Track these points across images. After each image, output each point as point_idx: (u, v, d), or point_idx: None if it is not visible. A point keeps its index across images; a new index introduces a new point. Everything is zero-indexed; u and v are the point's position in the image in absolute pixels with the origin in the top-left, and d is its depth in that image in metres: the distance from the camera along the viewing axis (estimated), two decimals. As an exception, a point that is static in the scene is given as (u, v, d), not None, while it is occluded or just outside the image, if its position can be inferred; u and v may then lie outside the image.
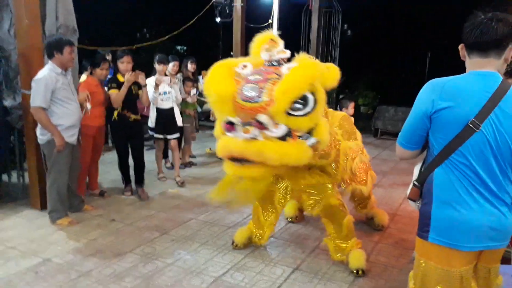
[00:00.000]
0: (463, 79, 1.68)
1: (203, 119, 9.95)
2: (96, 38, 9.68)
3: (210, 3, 7.96)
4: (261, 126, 2.32)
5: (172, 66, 5.84)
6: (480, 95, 1.61)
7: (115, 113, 4.55)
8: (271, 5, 10.92)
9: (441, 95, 1.65)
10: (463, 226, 1.66)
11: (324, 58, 10.95)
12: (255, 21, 10.32)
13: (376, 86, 11.93)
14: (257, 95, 2.32)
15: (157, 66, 5.35)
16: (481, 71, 1.66)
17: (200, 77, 7.80)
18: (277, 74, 2.43)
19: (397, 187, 5.50)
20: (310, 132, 2.44)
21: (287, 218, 4.16)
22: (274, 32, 10.31)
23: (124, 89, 4.47)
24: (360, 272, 3.07)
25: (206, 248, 3.51)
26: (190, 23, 7.62)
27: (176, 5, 15.81)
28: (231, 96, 2.36)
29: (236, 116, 2.37)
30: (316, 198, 3.07)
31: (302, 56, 2.52)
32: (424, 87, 1.75)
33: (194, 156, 6.75)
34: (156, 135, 5.44)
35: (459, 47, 1.75)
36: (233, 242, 3.53)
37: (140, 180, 4.90)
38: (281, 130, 2.34)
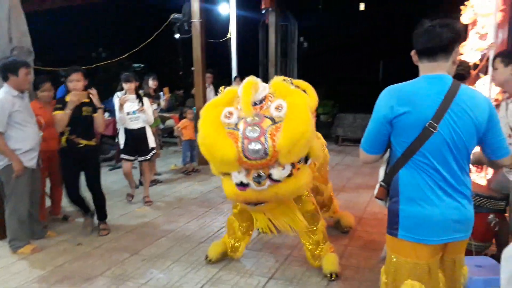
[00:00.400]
0: (417, 84, 1.79)
1: (166, 136, 9.84)
2: (51, 59, 9.41)
3: (168, 20, 7.96)
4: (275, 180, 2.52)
5: (152, 81, 6.33)
6: (434, 97, 1.71)
7: (63, 138, 3.98)
8: (228, 20, 11.09)
9: (398, 101, 1.74)
10: (429, 221, 1.76)
11: (283, 70, 11.18)
12: (214, 36, 10.42)
13: (334, 95, 12.29)
14: (263, 152, 2.42)
15: (124, 85, 5.31)
16: (432, 74, 1.77)
17: (161, 93, 7.74)
18: (268, 118, 2.51)
19: (362, 191, 5.67)
20: (307, 155, 2.64)
21: (258, 229, 4.17)
22: (233, 45, 10.47)
23: (67, 110, 3.85)
24: (333, 276, 3.13)
25: (179, 265, 3.46)
26: (149, 40, 7.59)
27: (132, 23, 15.68)
28: (235, 157, 2.45)
29: (240, 168, 2.51)
30: (294, 210, 3.10)
31: (279, 84, 2.65)
32: (381, 94, 1.84)
33: (159, 174, 6.65)
34: (124, 156, 5.10)
35: (411, 53, 1.86)
36: (206, 257, 3.49)
37: (101, 216, 4.32)
38: (288, 169, 2.54)
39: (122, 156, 5.10)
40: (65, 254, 3.71)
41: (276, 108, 2.52)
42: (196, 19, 7.15)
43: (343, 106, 11.52)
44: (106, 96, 6.51)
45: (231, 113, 2.57)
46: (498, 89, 3.87)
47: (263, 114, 2.54)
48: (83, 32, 15.48)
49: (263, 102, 2.60)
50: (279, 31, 10.77)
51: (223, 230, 4.17)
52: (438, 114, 1.69)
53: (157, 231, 4.27)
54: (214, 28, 11.07)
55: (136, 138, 5.07)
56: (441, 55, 1.75)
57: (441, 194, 1.76)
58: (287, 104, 2.52)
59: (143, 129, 5.12)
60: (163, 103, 7.34)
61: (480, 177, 4.03)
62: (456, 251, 1.89)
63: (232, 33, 10.89)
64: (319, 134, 3.84)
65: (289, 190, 2.57)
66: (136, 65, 18.47)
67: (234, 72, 10.99)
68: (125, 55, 7.30)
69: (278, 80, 2.70)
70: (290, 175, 2.54)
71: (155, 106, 6.29)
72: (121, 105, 4.92)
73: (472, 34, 4.71)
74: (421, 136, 1.72)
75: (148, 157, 5.19)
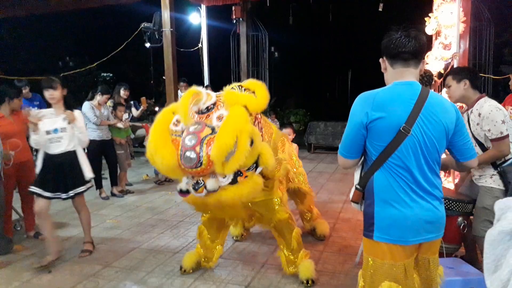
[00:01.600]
0: (390, 90, 1.85)
1: (137, 145, 9.67)
2: (16, 68, 9.11)
3: (139, 29, 7.88)
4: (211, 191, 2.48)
5: (124, 91, 6.28)
6: (407, 102, 1.78)
7: None
8: (199, 30, 11.10)
9: (373, 107, 1.80)
10: (403, 223, 1.81)
11: (255, 79, 11.22)
12: (186, 46, 10.39)
13: (305, 104, 12.48)
14: (197, 161, 2.37)
15: (99, 98, 5.23)
16: (404, 81, 1.84)
17: (132, 102, 7.64)
18: (209, 127, 2.45)
19: (335, 197, 5.75)
20: (256, 162, 2.58)
21: (233, 237, 4.16)
22: (204, 55, 10.48)
23: None
24: (310, 282, 3.13)
25: (153, 277, 3.39)
26: (119, 49, 7.48)
27: (101, 31, 15.40)
28: (175, 164, 2.43)
29: (186, 174, 2.50)
30: (268, 215, 3.16)
31: (228, 93, 2.61)
32: (356, 101, 1.88)
33: (130, 184, 6.52)
34: (35, 190, 3.59)
35: (380, 60, 1.94)
36: (181, 268, 3.43)
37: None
38: (229, 177, 2.48)
39: (33, 189, 3.60)
40: (32, 269, 3.55)
41: (217, 117, 2.50)
42: (167, 28, 7.11)
43: (314, 115, 11.70)
44: (74, 106, 6.36)
45: (178, 121, 2.53)
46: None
47: (205, 123, 2.49)
48: (50, 40, 15.07)
49: (211, 110, 2.56)
50: (250, 41, 10.88)
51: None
52: (411, 118, 1.76)
53: (130, 242, 4.17)
54: (185, 37, 11.05)
55: (58, 167, 3.64)
56: (413, 61, 1.83)
57: (413, 196, 1.82)
58: (227, 114, 2.49)
59: (70, 154, 3.68)
60: (137, 112, 7.23)
61: (448, 181, 4.18)
62: (430, 251, 1.95)
63: (204, 43, 10.92)
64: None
65: (231, 197, 2.51)
66: (105, 74, 18.14)
67: (206, 81, 10.98)
68: (94, 64, 7.15)
69: (228, 89, 2.67)
70: (235, 182, 2.50)
71: (126, 115, 6.20)
72: (35, 125, 3.54)
73: (436, 44, 4.92)
74: (395, 140, 1.78)
75: (80, 190, 3.74)
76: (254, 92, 2.69)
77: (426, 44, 1.91)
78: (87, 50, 14.62)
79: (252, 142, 2.44)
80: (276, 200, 3.15)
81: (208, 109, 2.56)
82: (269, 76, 11.60)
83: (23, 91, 6.11)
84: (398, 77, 1.86)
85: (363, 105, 1.83)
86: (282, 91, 14.05)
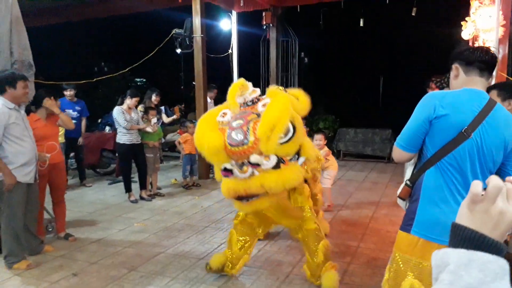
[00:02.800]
0: (459, 93, 1.89)
1: (167, 149, 9.81)
2: (53, 74, 9.46)
3: (170, 35, 8.01)
4: (255, 164, 2.50)
5: (155, 97, 6.60)
6: (473, 108, 1.82)
7: None
8: (230, 36, 11.18)
9: (441, 103, 1.84)
10: (444, 223, 1.80)
11: (284, 85, 11.19)
12: (216, 51, 10.49)
13: (335, 110, 12.29)
14: (244, 138, 2.49)
15: (128, 101, 5.41)
16: (474, 88, 1.89)
17: (163, 108, 7.77)
18: (255, 114, 2.61)
19: (364, 206, 5.59)
20: (298, 153, 2.65)
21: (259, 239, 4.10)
22: (234, 60, 10.56)
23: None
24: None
25: (178, 282, 3.38)
26: (150, 55, 7.63)
27: (134, 38, 15.81)
28: (222, 146, 2.52)
29: (230, 160, 2.56)
30: (298, 222, 3.19)
31: (272, 90, 2.74)
32: (424, 97, 1.93)
33: (159, 188, 6.59)
34: None
35: (453, 66, 1.94)
36: (207, 265, 3.43)
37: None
38: (273, 160, 2.50)
39: None
40: (61, 271, 3.63)
41: (263, 105, 2.63)
42: (197, 34, 7.19)
43: (344, 121, 11.50)
44: (107, 110, 6.54)
45: (225, 113, 2.70)
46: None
47: (252, 111, 2.65)
48: (85, 46, 15.60)
49: (256, 103, 2.70)
50: (280, 46, 10.85)
51: (223, 246, 4.10)
52: (474, 123, 1.80)
53: (156, 246, 4.19)
54: (215, 43, 11.15)
55: None
56: (487, 72, 1.90)
57: (460, 199, 1.79)
58: (271, 100, 2.63)
59: None
60: (168, 119, 7.36)
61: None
62: None
63: (234, 49, 10.98)
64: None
65: (274, 181, 2.51)
66: (138, 79, 18.58)
67: (236, 87, 11.00)
68: (126, 70, 7.31)
69: (272, 87, 2.83)
70: (278, 167, 2.53)
71: (154, 119, 6.29)
72: None
73: (473, 49, 4.72)
74: (455, 140, 1.81)
75: None
76: (297, 99, 2.85)
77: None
78: (121, 56, 15.03)
79: (294, 131, 2.50)
80: (307, 208, 3.18)
81: (253, 102, 2.71)
82: (299, 81, 11.53)
83: (66, 93, 6.35)
84: (469, 85, 1.90)
85: (432, 101, 1.87)
86: (311, 97, 13.91)
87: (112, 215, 5.22)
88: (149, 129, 6.00)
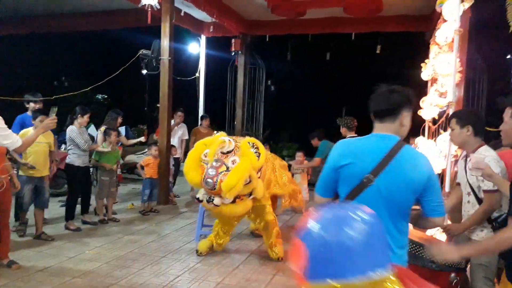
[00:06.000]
0: (364, 140, 1.98)
1: (125, 171, 9.50)
2: (7, 85, 9.01)
3: (137, 55, 7.89)
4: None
5: (120, 119, 6.42)
6: (376, 153, 1.88)
7: None
8: (198, 59, 11.17)
9: (345, 153, 1.95)
10: None
11: (250, 112, 11.28)
12: (183, 74, 10.42)
13: (299, 138, 12.47)
14: (213, 185, 3.82)
15: (80, 120, 5.19)
16: (380, 133, 1.96)
17: (123, 128, 7.56)
18: (225, 166, 3.89)
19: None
20: (251, 192, 4.13)
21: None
22: (201, 84, 10.54)
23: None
24: (280, 259, 4.51)
25: (128, 319, 3.18)
26: (115, 74, 7.45)
27: (99, 54, 15.49)
28: (199, 182, 3.96)
29: (204, 191, 3.99)
30: (261, 217, 4.60)
31: (244, 147, 4.04)
32: (334, 146, 2.06)
33: (114, 213, 6.31)
34: None
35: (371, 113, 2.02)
36: (197, 251, 4.65)
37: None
38: (230, 199, 3.95)
39: None
40: (-1, 303, 3.33)
41: (232, 161, 3.94)
42: (165, 56, 7.12)
43: (306, 150, 11.65)
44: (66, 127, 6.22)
45: (207, 154, 4.03)
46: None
47: (224, 161, 3.94)
48: (48, 59, 15.08)
49: (230, 153, 4.00)
50: (247, 73, 10.95)
51: (180, 279, 3.96)
52: (377, 169, 1.85)
53: (108, 277, 3.95)
54: (183, 66, 11.11)
55: None
56: (388, 117, 1.94)
57: None
58: (238, 162, 3.92)
59: None
60: (130, 141, 7.15)
61: (440, 232, 4.07)
62: None
63: (201, 72, 10.97)
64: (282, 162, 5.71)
65: (228, 211, 4.11)
66: (100, 96, 18.12)
67: (201, 110, 10.96)
68: (89, 88, 7.09)
69: (246, 142, 4.12)
70: (234, 202, 3.99)
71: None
72: None
73: (432, 91, 4.93)
74: (358, 187, 1.88)
75: None
76: (258, 150, 4.12)
77: (412, 98, 1.97)
78: (84, 71, 14.63)
79: (250, 181, 3.98)
80: (267, 206, 4.60)
81: (228, 152, 3.99)
82: (264, 109, 11.64)
83: (31, 106, 5.74)
84: (376, 130, 1.99)
85: (337, 150, 2.00)
86: (276, 124, 14.08)
87: (62, 241, 4.92)
88: (106, 148, 5.77)
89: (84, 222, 5.67)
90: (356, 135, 5.43)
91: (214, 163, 3.90)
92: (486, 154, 2.71)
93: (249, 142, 4.13)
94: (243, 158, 3.94)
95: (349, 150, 1.95)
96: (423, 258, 2.71)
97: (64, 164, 5.85)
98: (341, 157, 1.94)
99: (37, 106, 5.56)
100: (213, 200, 3.91)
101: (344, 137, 5.40)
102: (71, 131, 5.36)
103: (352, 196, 1.90)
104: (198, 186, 4.00)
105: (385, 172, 1.84)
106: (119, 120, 6.48)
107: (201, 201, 3.99)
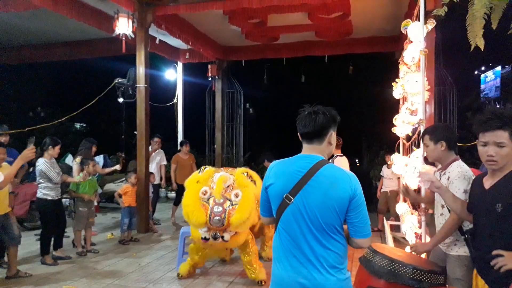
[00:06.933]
0: (287, 161, 2.04)
1: (104, 200, 9.32)
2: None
3: (112, 84, 7.88)
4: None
5: (95, 148, 6.40)
6: (295, 174, 1.94)
7: None
8: (175, 86, 11.23)
9: (269, 173, 2.05)
10: (280, 282, 1.96)
11: (230, 135, 11.33)
12: (160, 101, 10.45)
13: (280, 159, 12.53)
14: (222, 221, 3.90)
15: (51, 151, 5.08)
16: (306, 154, 2.01)
17: (101, 157, 7.47)
18: (229, 201, 4.00)
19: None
20: None
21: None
22: (179, 110, 10.53)
23: None
24: (262, 283, 4.45)
25: None
26: (90, 104, 7.41)
27: (74, 83, 15.38)
28: (204, 222, 3.94)
29: (205, 226, 3.99)
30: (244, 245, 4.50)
31: (239, 177, 4.17)
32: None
33: (93, 244, 6.15)
34: None
35: (298, 133, 2.06)
36: (178, 274, 4.70)
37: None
38: (235, 231, 4.08)
39: None
40: None
41: (235, 195, 4.04)
42: (141, 84, 7.13)
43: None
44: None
45: (205, 192, 4.08)
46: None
47: (226, 196, 4.02)
48: (22, 90, 14.86)
49: (229, 187, 4.10)
50: (225, 97, 11.07)
51: None
52: (296, 188, 1.91)
53: (86, 313, 3.83)
54: (160, 92, 11.14)
55: None
56: (316, 138, 1.99)
57: (293, 260, 1.93)
58: (242, 194, 4.04)
59: None
60: (108, 170, 7.05)
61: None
62: None
63: (179, 98, 11.02)
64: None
65: (233, 244, 4.25)
66: (78, 125, 17.88)
67: (180, 135, 10.94)
68: (64, 118, 7.02)
69: (240, 172, 4.27)
70: (236, 233, 4.07)
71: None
72: None
73: (403, 109, 5.08)
74: (281, 206, 1.96)
75: None
76: (255, 181, 4.30)
77: (334, 120, 2.00)
78: (59, 101, 14.47)
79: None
80: (250, 238, 4.52)
81: (228, 186, 4.09)
82: (244, 131, 11.71)
83: None
84: (305, 151, 2.03)
85: (267, 171, 2.08)
86: (256, 146, 14.14)
87: (38, 276, 4.75)
88: (77, 179, 5.65)
89: (57, 258, 5.38)
90: (341, 154, 5.44)
91: (217, 200, 3.96)
92: (457, 170, 2.78)
93: (242, 173, 4.26)
94: (244, 189, 4.03)
95: (273, 171, 2.03)
96: (403, 276, 2.74)
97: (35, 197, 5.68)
98: (267, 178, 2.04)
99: (3, 139, 5.36)
100: (222, 236, 3.98)
101: (332, 155, 5.39)
102: (42, 164, 5.14)
103: (277, 215, 1.98)
104: (203, 226, 3.96)
105: (303, 191, 1.89)
106: (94, 148, 6.40)
107: (208, 239, 4.00)
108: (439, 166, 3.06)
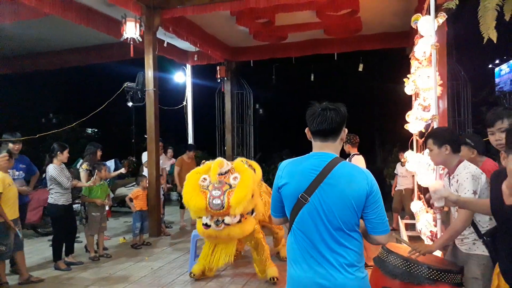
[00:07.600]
0: (301, 160, 1.99)
1: (116, 205, 9.35)
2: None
3: (122, 88, 7.90)
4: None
5: (100, 151, 6.31)
6: (310, 172, 1.90)
7: None
8: (184, 88, 11.24)
9: (282, 173, 2.00)
10: (298, 284, 1.91)
11: (240, 136, 11.30)
12: (170, 104, 10.47)
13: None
14: (221, 205, 3.82)
15: (60, 157, 5.12)
16: (319, 152, 1.96)
17: (112, 162, 7.50)
18: (228, 184, 3.95)
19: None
20: (253, 210, 4.15)
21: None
22: (188, 112, 10.55)
23: None
24: (274, 279, 4.49)
25: None
26: (100, 109, 7.44)
27: (85, 89, 15.53)
28: (204, 207, 3.87)
29: (208, 215, 3.91)
30: (250, 236, 4.41)
31: (238, 165, 4.14)
32: (279, 166, 2.10)
33: (106, 248, 6.16)
34: None
35: (306, 130, 2.02)
36: (191, 273, 4.71)
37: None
38: (238, 217, 3.94)
39: None
40: None
41: (233, 178, 4.01)
42: (150, 88, 7.13)
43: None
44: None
45: (205, 179, 4.05)
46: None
47: (225, 181, 4.00)
48: (35, 97, 15.08)
49: (227, 173, 4.07)
50: (234, 98, 11.04)
51: None
52: (311, 187, 1.88)
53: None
54: (170, 95, 11.16)
55: None
56: (331, 136, 1.95)
57: (311, 260, 1.89)
58: (240, 177, 3.99)
59: None
60: (114, 174, 7.08)
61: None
62: None
63: (188, 101, 11.02)
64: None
65: (237, 231, 4.01)
66: (90, 129, 18.05)
67: (190, 138, 10.95)
68: (73, 124, 7.06)
69: (238, 160, 4.24)
70: (240, 221, 3.95)
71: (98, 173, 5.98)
72: None
73: (416, 105, 4.96)
74: (296, 206, 1.92)
75: None
76: (254, 169, 4.27)
77: (346, 117, 1.96)
78: (71, 107, 14.63)
79: (252, 195, 3.97)
80: (256, 226, 4.42)
81: (225, 172, 4.07)
82: (254, 132, 11.67)
83: (11, 147, 5.46)
84: (317, 149, 1.99)
85: (278, 171, 2.04)
86: (267, 147, 14.09)
87: (51, 281, 4.77)
88: (88, 183, 5.68)
89: (69, 264, 5.38)
90: (358, 152, 5.34)
91: (216, 185, 3.94)
92: (465, 171, 2.69)
93: (241, 161, 4.25)
94: (243, 173, 4.01)
95: (286, 170, 1.99)
96: (418, 276, 2.67)
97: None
98: (280, 178, 1.99)
99: (16, 146, 5.37)
100: (222, 220, 3.85)
101: (349, 154, 5.29)
102: (53, 169, 5.17)
103: (292, 215, 1.93)
104: (203, 212, 3.88)
105: (319, 190, 1.86)
106: (99, 153, 6.40)
107: (209, 226, 3.89)
108: (446, 170, 2.98)
